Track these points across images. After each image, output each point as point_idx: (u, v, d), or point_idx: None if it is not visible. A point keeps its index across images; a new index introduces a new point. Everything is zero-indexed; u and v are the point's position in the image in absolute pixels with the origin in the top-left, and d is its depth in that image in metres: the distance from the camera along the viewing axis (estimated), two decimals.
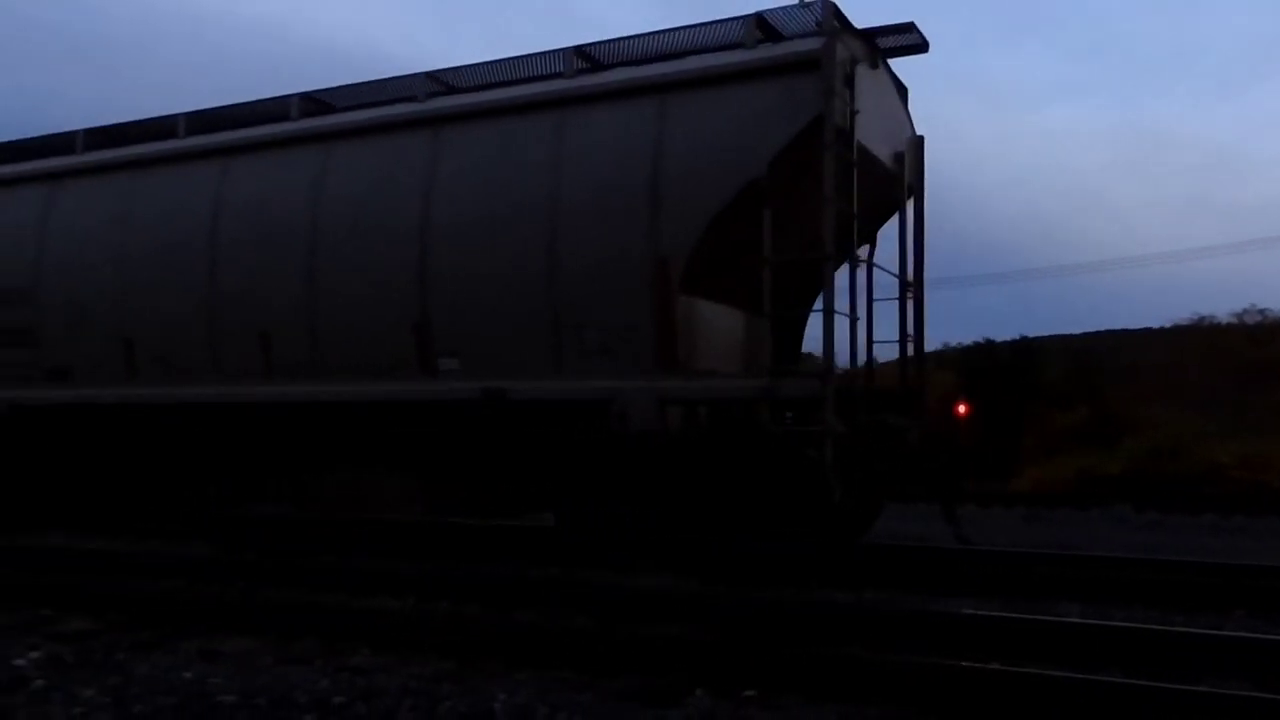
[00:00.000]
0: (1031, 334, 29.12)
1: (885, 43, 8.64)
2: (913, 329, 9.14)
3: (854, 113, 7.81)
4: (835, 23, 7.84)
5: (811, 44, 7.77)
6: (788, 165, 7.60)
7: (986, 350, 27.64)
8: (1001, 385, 24.08)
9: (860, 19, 8.25)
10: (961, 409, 9.26)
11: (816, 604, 6.36)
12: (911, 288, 9.13)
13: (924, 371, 9.22)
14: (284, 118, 10.01)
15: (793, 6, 8.15)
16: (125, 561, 8.31)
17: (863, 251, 9.02)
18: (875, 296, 8.94)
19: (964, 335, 35.91)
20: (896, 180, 8.97)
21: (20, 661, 5.34)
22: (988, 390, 22.86)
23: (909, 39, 8.67)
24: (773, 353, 8.35)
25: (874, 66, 8.46)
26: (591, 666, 4.96)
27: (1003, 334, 29.06)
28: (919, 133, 9.61)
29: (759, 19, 8.18)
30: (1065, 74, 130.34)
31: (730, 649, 5.03)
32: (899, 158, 9.01)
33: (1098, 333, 32.94)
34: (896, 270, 9.20)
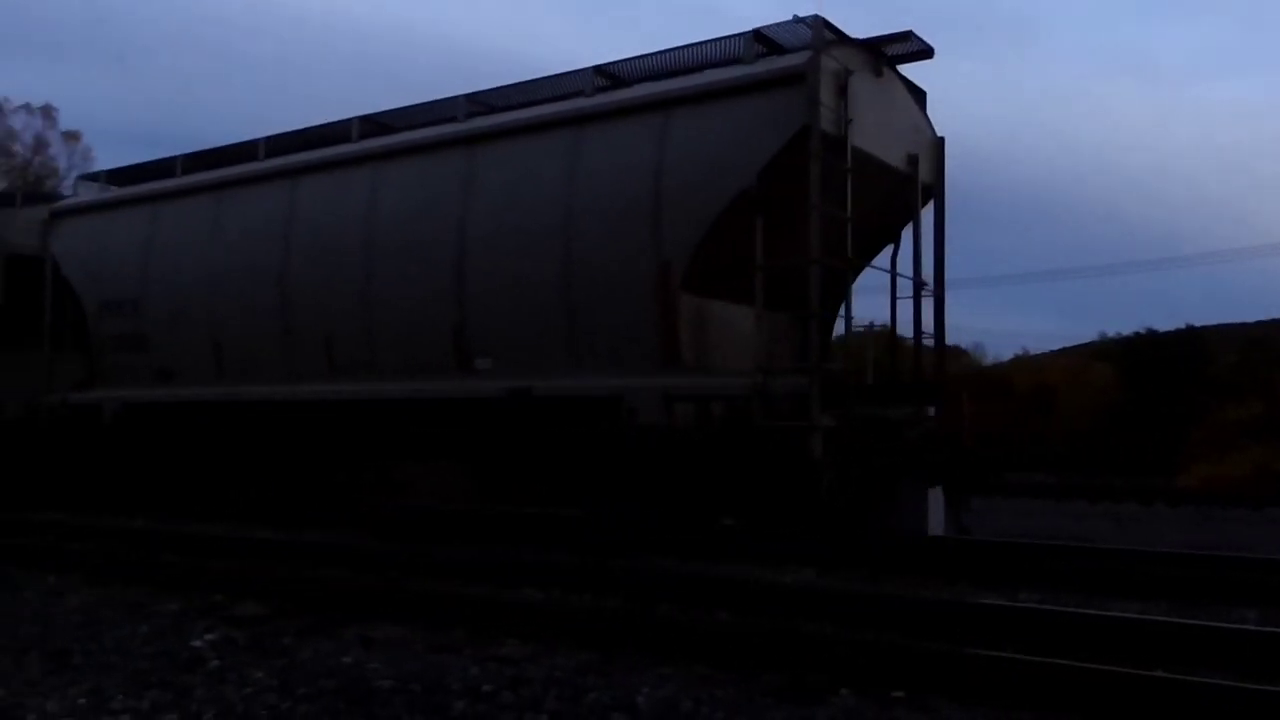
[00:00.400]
0: (1198, 323, 27.50)
1: (892, 50, 8.98)
2: (932, 326, 9.51)
3: (848, 121, 8.15)
4: (826, 36, 8.25)
5: (797, 59, 8.22)
6: (779, 174, 7.98)
7: (1149, 340, 26.24)
8: (1166, 377, 22.81)
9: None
10: (966, 404, 9.25)
11: (967, 604, 6.18)
12: (928, 287, 9.47)
13: (943, 367, 9.71)
14: (346, 139, 10.79)
15: (792, 21, 8.50)
16: (290, 550, 8.76)
17: (888, 251, 9.55)
18: (900, 295, 9.45)
19: (1124, 325, 34.21)
20: (910, 182, 9.20)
21: (198, 643, 5.70)
22: (1151, 383, 21.70)
23: (910, 46, 9.02)
24: (800, 348, 8.64)
25: (878, 74, 8.84)
26: (734, 662, 4.95)
27: (1167, 323, 27.57)
28: (939, 135, 9.85)
29: (758, 35, 8.58)
30: (1231, 46, 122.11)
31: (877, 647, 4.93)
32: (913, 160, 9.26)
33: (1273, 320, 30.79)
34: (920, 272, 9.50)
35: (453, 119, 10.04)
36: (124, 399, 11.92)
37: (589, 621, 5.72)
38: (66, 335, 12.57)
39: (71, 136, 39.92)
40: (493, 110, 9.95)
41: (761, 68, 8.45)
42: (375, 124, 10.88)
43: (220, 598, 6.83)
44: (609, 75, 9.44)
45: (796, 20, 8.47)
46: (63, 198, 13.94)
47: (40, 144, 39.62)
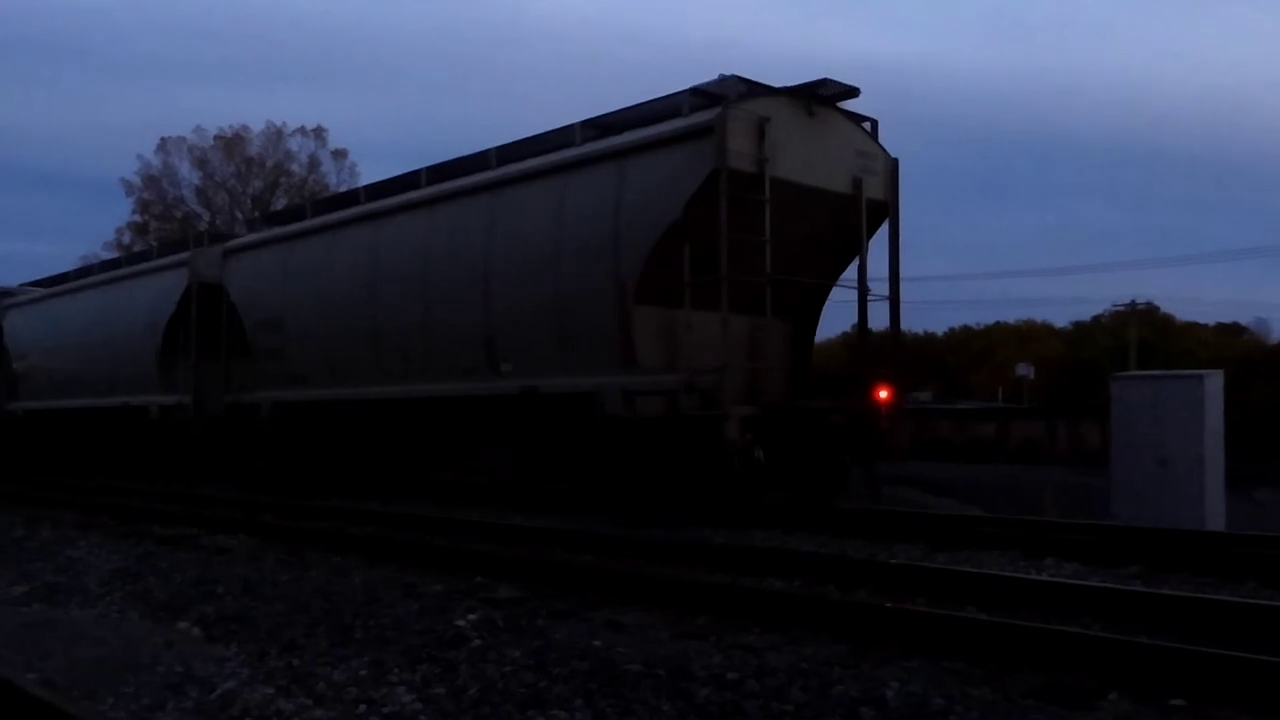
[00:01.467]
0: None
1: (824, 92, 10.35)
2: (889, 324, 11.17)
3: (764, 160, 9.72)
4: (739, 91, 9.92)
5: (709, 115, 9.76)
6: (700, 208, 9.58)
7: None
8: None
9: None
10: (884, 394, 10.45)
11: (1257, 605, 5.59)
12: (873, 293, 11.06)
13: (895, 359, 11.29)
14: (416, 186, 13.00)
15: (719, 80, 10.06)
16: (541, 535, 9.18)
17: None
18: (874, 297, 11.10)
19: None
20: (853, 201, 10.58)
21: (461, 622, 6.08)
22: None
23: (831, 89, 10.38)
24: (794, 345, 11.04)
25: (809, 114, 10.28)
26: (989, 659, 4.72)
27: None
28: (893, 157, 11.11)
29: (695, 91, 10.14)
30: None
31: (1153, 650, 4.55)
32: (857, 183, 10.62)
33: None
34: (864, 279, 11.12)
35: (485, 168, 12.08)
36: (273, 399, 14.60)
37: (835, 612, 5.63)
38: (237, 347, 15.22)
39: (339, 154, 43.65)
40: (515, 160, 11.81)
41: (686, 122, 10.02)
42: (438, 172, 12.94)
43: (480, 579, 7.25)
44: (596, 126, 11.13)
45: (722, 78, 10.09)
46: (236, 237, 16.92)
47: (314, 163, 43.60)
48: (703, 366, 9.72)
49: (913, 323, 66.68)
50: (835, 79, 10.32)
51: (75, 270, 20.63)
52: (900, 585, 6.51)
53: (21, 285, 21.79)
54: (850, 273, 11.27)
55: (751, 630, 5.59)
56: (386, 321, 12.70)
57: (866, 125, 11.06)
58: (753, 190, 9.72)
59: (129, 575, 8.35)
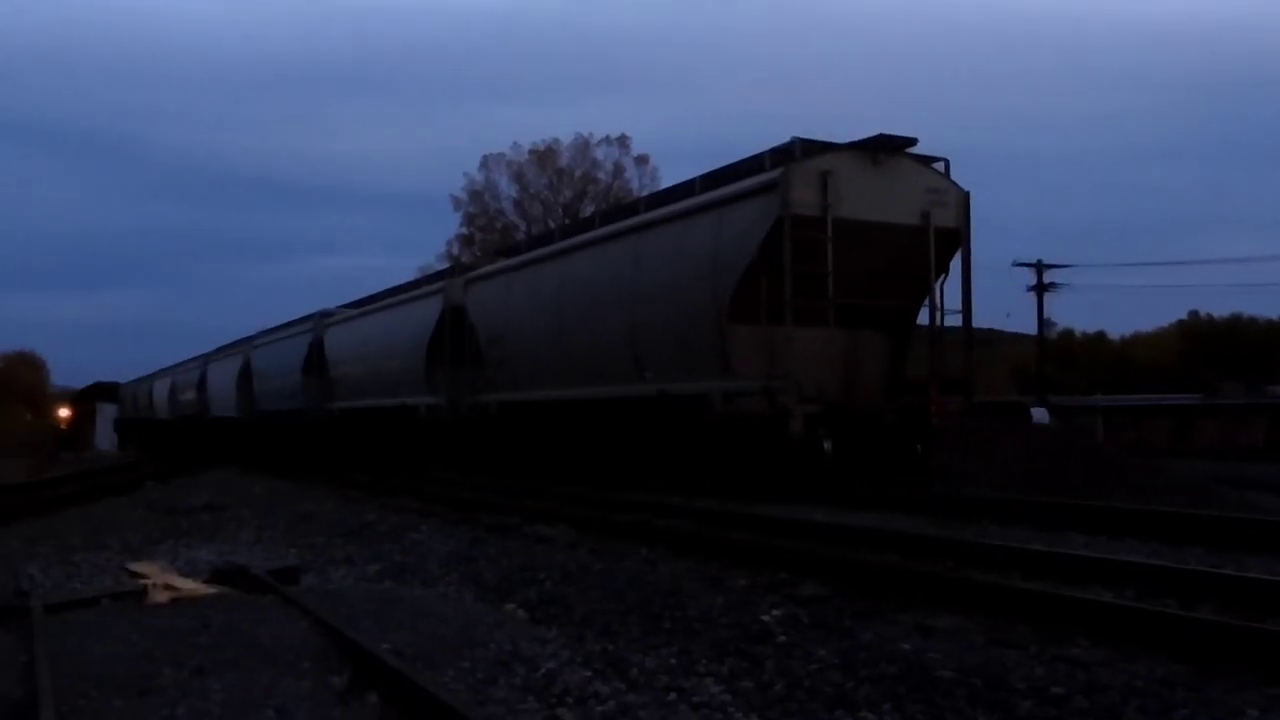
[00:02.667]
0: None
1: (892, 144, 12.17)
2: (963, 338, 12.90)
3: (827, 205, 11.56)
4: (801, 151, 11.94)
5: (775, 174, 11.78)
6: (772, 248, 11.56)
7: None
8: None
9: None
10: (933, 397, 12.21)
11: None
12: (944, 313, 12.63)
13: (971, 366, 12.89)
14: (590, 228, 16.23)
15: (797, 139, 12.13)
16: (845, 533, 9.04)
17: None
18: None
19: None
20: (920, 233, 12.19)
21: (766, 618, 6.11)
22: None
23: (895, 141, 12.23)
24: (891, 357, 12.88)
25: (875, 163, 12.06)
26: None
27: None
28: (965, 190, 12.66)
29: (774, 151, 12.31)
30: None
31: None
32: (925, 215, 12.21)
33: None
34: (934, 298, 12.70)
35: (635, 213, 15.09)
36: (499, 400, 17.45)
37: (1176, 629, 5.11)
38: (475, 358, 18.15)
39: (641, 159, 45.34)
40: (655, 207, 14.64)
41: (760, 179, 12.10)
42: (606, 217, 16.44)
43: (784, 576, 7.25)
44: (711, 179, 13.49)
45: (793, 140, 12.14)
46: (478, 269, 20.02)
47: (618, 169, 45.55)
48: (779, 374, 11.64)
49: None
50: (893, 134, 12.24)
51: (370, 295, 24.21)
52: (1252, 602, 5.80)
53: (338, 307, 25.77)
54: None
55: (1077, 642, 5.19)
56: (569, 338, 15.30)
57: (939, 165, 12.69)
58: (817, 231, 11.57)
59: (463, 559, 9.13)
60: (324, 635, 5.89)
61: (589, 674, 5.29)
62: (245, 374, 30.21)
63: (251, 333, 31.67)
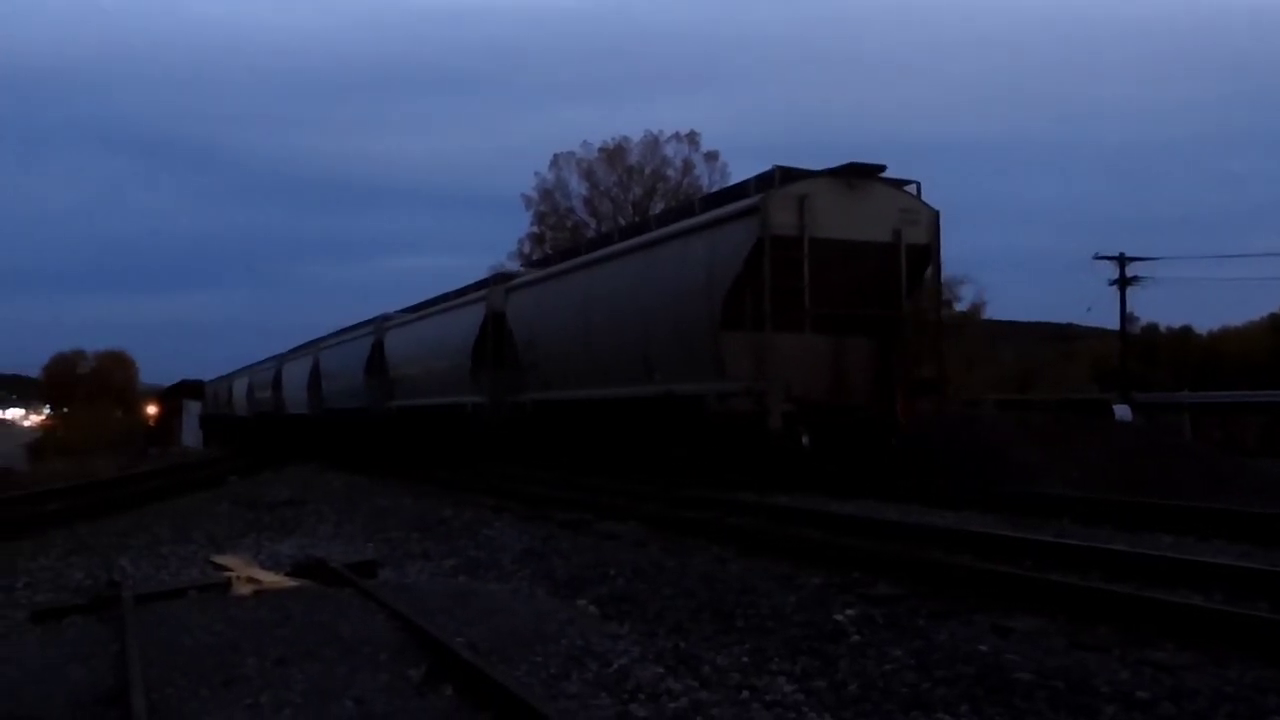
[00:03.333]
0: None
1: (862, 169, 13.47)
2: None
3: (803, 226, 12.84)
4: (779, 178, 13.19)
5: (756, 199, 13.17)
6: (756, 264, 12.85)
7: None
8: None
9: None
10: (900, 404, 13.41)
11: None
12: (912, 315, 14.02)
13: (942, 368, 14.66)
14: (611, 242, 17.83)
15: (778, 167, 13.40)
16: (917, 532, 8.91)
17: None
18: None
19: None
20: (892, 249, 13.41)
21: (839, 617, 6.05)
22: None
23: (866, 167, 13.47)
24: (879, 359, 13.75)
25: (850, 187, 13.33)
26: None
27: None
28: (935, 209, 13.93)
29: (759, 178, 13.77)
30: None
31: None
32: (897, 233, 13.41)
33: None
34: (900, 306, 13.72)
35: (647, 230, 16.55)
36: (532, 399, 18.72)
37: (1269, 633, 4.93)
38: (513, 360, 19.35)
39: (711, 156, 45.13)
40: (664, 225, 16.03)
41: (746, 203, 13.50)
42: (625, 232, 18.42)
43: (858, 575, 7.18)
44: (709, 200, 15.67)
45: (774, 168, 13.37)
46: (517, 278, 21.30)
47: (687, 166, 45.43)
48: (766, 376, 12.78)
49: None
50: (863, 162, 13.49)
51: (425, 300, 25.40)
52: None
53: (397, 311, 26.92)
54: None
55: (1162, 646, 5.05)
56: (593, 342, 16.65)
57: (911, 187, 13.93)
58: (794, 249, 12.83)
59: (535, 555, 9.21)
60: (401, 628, 5.99)
61: (661, 670, 5.30)
62: (315, 374, 31.62)
63: (324, 333, 33.18)
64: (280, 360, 38.44)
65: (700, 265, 13.88)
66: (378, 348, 26.05)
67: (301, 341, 36.83)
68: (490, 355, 19.70)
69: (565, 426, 17.80)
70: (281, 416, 36.75)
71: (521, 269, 22.08)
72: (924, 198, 14.01)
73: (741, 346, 13.09)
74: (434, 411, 22.29)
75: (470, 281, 23.76)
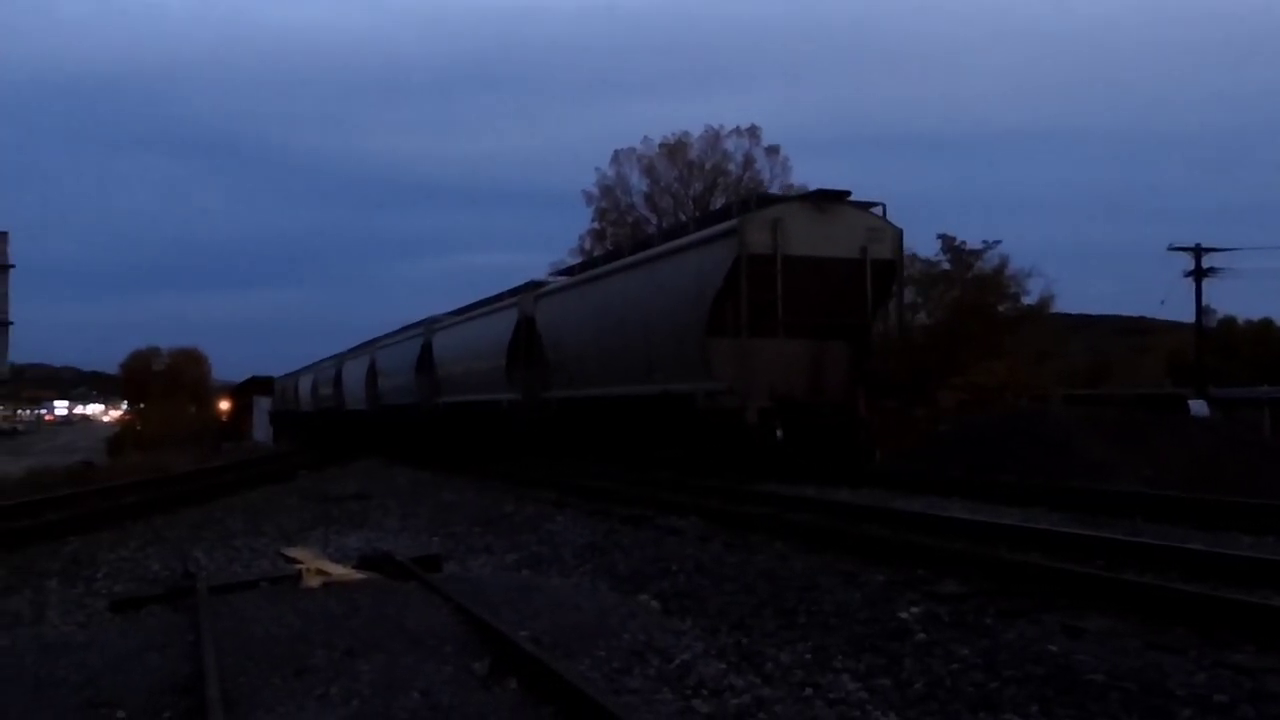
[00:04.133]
0: None
1: (832, 194, 15.47)
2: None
3: (777, 245, 14.38)
4: (754, 203, 15.50)
5: (734, 222, 14.80)
6: (735, 279, 14.38)
7: None
8: None
9: None
10: (861, 403, 14.85)
11: None
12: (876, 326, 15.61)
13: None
14: (620, 256, 19.70)
15: (758, 193, 20.07)
16: (984, 531, 8.76)
17: None
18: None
19: None
20: (859, 264, 14.86)
21: (904, 615, 5.98)
22: None
23: (837, 192, 15.47)
24: (852, 362, 15.12)
25: (820, 210, 15.03)
26: None
27: None
28: (898, 228, 15.58)
29: (742, 201, 16.60)
30: None
31: None
32: (864, 249, 14.88)
33: None
34: (866, 314, 15.29)
35: (651, 245, 18.43)
36: (557, 396, 20.23)
37: None
38: (542, 361, 20.80)
39: (772, 150, 44.78)
40: (666, 241, 17.88)
41: (727, 225, 15.03)
42: (635, 247, 19.88)
43: (922, 572, 7.08)
44: (701, 220, 17.95)
45: (753, 194, 16.07)
46: (546, 284, 22.84)
47: (748, 161, 45.16)
48: (745, 377, 14.26)
49: None
50: (830, 188, 15.49)
51: (466, 305, 27.58)
52: None
53: (444, 314, 28.84)
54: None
55: (1242, 648, 4.90)
56: (604, 346, 18.24)
57: (877, 209, 15.42)
58: (769, 265, 14.31)
59: (597, 549, 9.25)
60: (465, 622, 6.06)
61: (723, 667, 5.29)
62: (372, 372, 33.45)
63: (383, 331, 34.88)
64: (340, 359, 40.43)
65: (690, 279, 15.60)
66: (427, 348, 27.80)
67: (363, 338, 38.53)
68: (523, 356, 21.37)
69: (583, 421, 19.37)
70: (342, 412, 38.51)
71: (549, 278, 23.61)
72: (888, 216, 15.57)
73: (726, 351, 14.57)
74: (475, 407, 24.14)
75: (517, 283, 25.05)
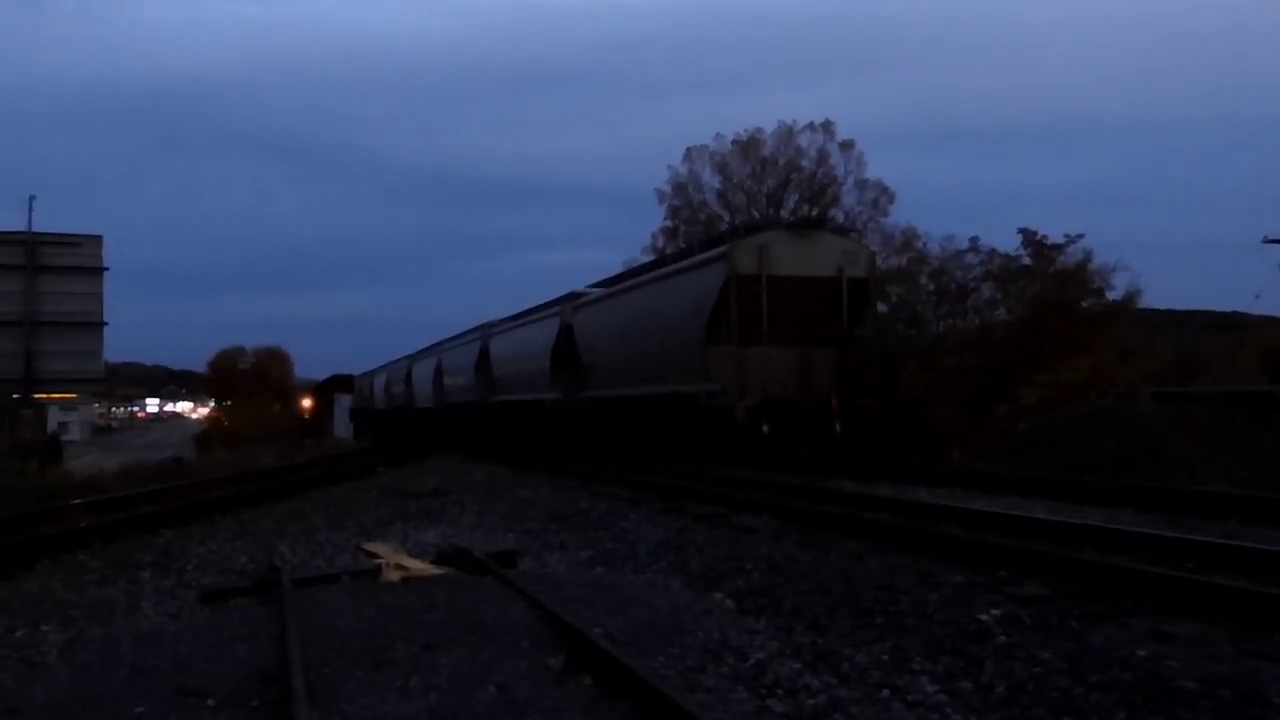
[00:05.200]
0: None
1: (814, 222, 21.29)
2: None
3: (763, 266, 16.99)
4: (742, 230, 19.63)
5: (725, 248, 17.70)
6: (726, 296, 16.95)
7: None
8: None
9: None
10: (834, 401, 16.74)
11: None
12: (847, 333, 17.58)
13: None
14: (640, 274, 22.67)
15: (746, 221, 25.45)
16: (1066, 531, 8.54)
17: None
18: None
19: None
20: (836, 282, 17.41)
21: (984, 616, 5.86)
22: None
23: (816, 219, 22.10)
24: (836, 368, 17.28)
25: (800, 235, 17.92)
26: None
27: None
28: (871, 250, 20.19)
29: (732, 229, 22.33)
30: None
31: None
32: (840, 269, 17.46)
33: None
34: (841, 323, 17.82)
35: (664, 264, 21.54)
36: (590, 395, 22.43)
37: None
38: (579, 363, 23.01)
39: (847, 145, 44.24)
40: (674, 261, 20.94)
41: (721, 249, 17.82)
42: (651, 265, 23.39)
43: (1003, 573, 6.94)
44: (705, 243, 20.77)
45: (741, 224, 21.47)
46: (584, 294, 24.89)
47: (822, 156, 44.69)
48: (737, 380, 16.57)
49: None
50: (809, 216, 20.58)
51: (517, 313, 29.85)
52: None
53: (499, 320, 31.11)
54: None
55: None
56: (629, 351, 20.47)
57: (854, 235, 18.60)
58: (755, 284, 16.83)
59: (671, 547, 9.25)
60: (540, 618, 6.12)
61: (799, 666, 5.25)
62: (438, 372, 36.25)
63: (453, 333, 37.24)
64: (411, 359, 43.06)
65: (692, 295, 18.05)
66: (484, 350, 30.47)
67: (439, 337, 40.59)
68: (563, 360, 23.82)
69: (611, 417, 21.71)
70: (413, 410, 40.93)
71: (587, 289, 26.04)
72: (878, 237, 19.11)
73: (721, 357, 16.83)
74: (524, 405, 26.73)
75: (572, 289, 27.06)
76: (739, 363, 16.55)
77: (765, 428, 16.25)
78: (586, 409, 22.68)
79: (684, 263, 19.55)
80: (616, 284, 23.34)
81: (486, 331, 30.93)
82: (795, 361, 17.01)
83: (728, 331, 16.79)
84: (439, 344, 38.25)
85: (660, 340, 18.90)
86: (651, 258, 41.37)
